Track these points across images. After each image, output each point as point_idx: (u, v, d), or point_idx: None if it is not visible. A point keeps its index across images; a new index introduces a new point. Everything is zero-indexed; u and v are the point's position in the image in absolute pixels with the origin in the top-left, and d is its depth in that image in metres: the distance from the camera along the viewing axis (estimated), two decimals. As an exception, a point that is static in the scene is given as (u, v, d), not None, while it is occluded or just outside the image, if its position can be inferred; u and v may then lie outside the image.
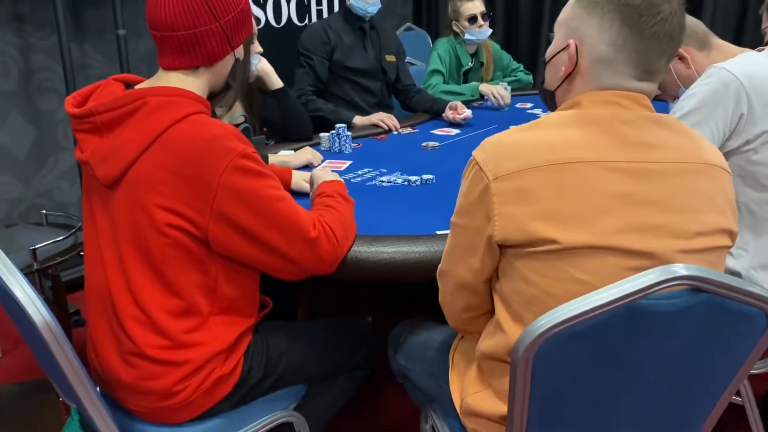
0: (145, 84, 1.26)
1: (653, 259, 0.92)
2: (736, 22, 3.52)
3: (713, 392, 1.02)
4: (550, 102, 1.12)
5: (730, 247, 1.00)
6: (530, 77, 3.44)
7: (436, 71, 3.09)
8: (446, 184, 1.86)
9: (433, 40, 4.25)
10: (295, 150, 2.13)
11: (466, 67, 3.20)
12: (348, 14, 2.71)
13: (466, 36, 3.10)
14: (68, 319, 2.24)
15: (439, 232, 1.46)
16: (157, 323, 1.20)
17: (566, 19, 1.04)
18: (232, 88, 1.34)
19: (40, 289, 2.27)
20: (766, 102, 1.50)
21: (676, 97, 1.79)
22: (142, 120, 1.16)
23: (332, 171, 1.68)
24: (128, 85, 1.27)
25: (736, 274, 1.60)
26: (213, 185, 1.14)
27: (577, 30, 1.02)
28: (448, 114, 2.64)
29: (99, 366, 1.29)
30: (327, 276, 1.32)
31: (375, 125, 2.56)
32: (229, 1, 1.22)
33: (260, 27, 3.12)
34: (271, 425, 1.39)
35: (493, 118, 2.79)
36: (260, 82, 2.23)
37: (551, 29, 4.39)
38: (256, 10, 3.14)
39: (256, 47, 2.09)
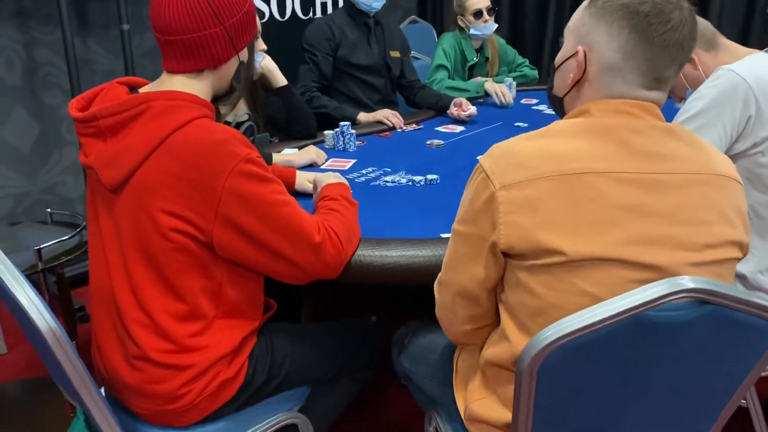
0: (149, 87, 1.26)
1: (660, 271, 0.91)
2: (742, 22, 3.50)
3: (719, 402, 1.01)
4: (558, 108, 1.11)
5: (740, 259, 0.99)
6: (536, 72, 3.42)
7: (441, 66, 3.07)
8: (450, 184, 1.85)
9: (438, 33, 4.22)
10: (299, 148, 2.13)
11: (472, 62, 3.18)
12: (352, 9, 2.69)
13: (472, 31, 3.08)
14: (73, 316, 2.25)
15: (443, 235, 1.46)
16: (161, 327, 1.20)
17: (576, 26, 1.03)
18: (237, 90, 1.33)
19: (44, 286, 2.28)
20: (775, 104, 1.49)
21: (683, 98, 1.77)
22: (146, 124, 1.15)
23: (336, 170, 1.67)
24: (132, 88, 1.26)
25: (741, 277, 1.59)
26: (218, 190, 1.14)
27: (586, 36, 1.01)
28: (453, 111, 2.63)
29: (104, 368, 1.30)
30: (331, 279, 1.32)
31: (379, 122, 2.55)
32: (234, 4, 1.21)
33: (264, 21, 3.10)
34: (275, 427, 1.39)
35: (497, 115, 2.77)
36: (264, 80, 2.22)
37: (557, 24, 4.38)
38: (260, 4, 3.12)
39: (260, 44, 2.08)
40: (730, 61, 1.57)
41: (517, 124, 2.60)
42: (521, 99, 3.06)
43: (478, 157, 2.08)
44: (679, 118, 1.57)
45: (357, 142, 2.28)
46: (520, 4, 4.18)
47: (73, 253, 2.06)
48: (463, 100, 2.64)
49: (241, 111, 2.10)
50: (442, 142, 2.31)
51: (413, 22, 4.29)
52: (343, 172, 1.94)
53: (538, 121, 2.63)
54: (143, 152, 1.14)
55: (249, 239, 1.18)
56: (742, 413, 1.74)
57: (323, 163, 2.06)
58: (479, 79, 3.18)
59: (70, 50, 2.57)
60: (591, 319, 0.83)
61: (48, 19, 2.74)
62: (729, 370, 0.95)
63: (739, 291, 0.86)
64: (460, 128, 2.54)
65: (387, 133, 2.49)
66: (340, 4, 3.35)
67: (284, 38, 3.10)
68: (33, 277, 2.03)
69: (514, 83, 3.13)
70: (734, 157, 1.55)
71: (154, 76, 1.28)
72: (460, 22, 3.13)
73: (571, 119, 1.01)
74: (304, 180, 1.72)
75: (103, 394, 1.32)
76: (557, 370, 0.87)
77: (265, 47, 2.10)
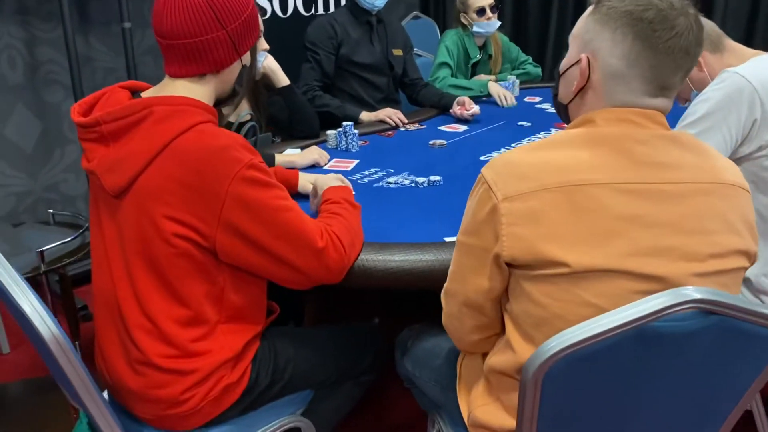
0: (151, 92, 1.25)
1: (665, 282, 0.91)
2: (747, 22, 3.47)
3: (724, 410, 1.01)
4: (563, 115, 1.10)
5: (747, 268, 0.98)
6: (539, 70, 3.41)
7: (443, 64, 3.06)
8: (453, 185, 1.85)
9: (441, 29, 4.21)
10: (302, 148, 2.12)
11: (474, 60, 3.17)
12: (355, 8, 2.68)
13: (475, 28, 3.07)
14: (76, 316, 2.25)
15: (447, 239, 1.45)
16: (164, 332, 1.20)
17: (580, 32, 1.02)
18: (239, 94, 1.32)
19: (47, 287, 2.28)
20: (780, 107, 1.48)
21: (687, 100, 1.76)
22: (149, 129, 1.15)
23: (339, 172, 1.66)
24: (134, 92, 1.25)
25: (745, 280, 1.59)
26: (220, 195, 1.13)
27: (589, 43, 1.00)
28: (456, 110, 2.62)
29: (107, 372, 1.30)
30: (334, 284, 1.32)
31: (382, 121, 2.54)
32: (236, 8, 1.20)
33: (266, 18, 3.08)
34: (278, 431, 1.39)
35: (500, 114, 2.76)
36: (266, 80, 2.21)
37: (560, 21, 4.35)
38: (262, 1, 3.11)
39: (263, 44, 2.07)
40: (735, 63, 1.56)
41: (520, 123, 2.59)
42: (524, 97, 3.05)
43: (481, 158, 2.09)
44: (684, 121, 1.57)
45: (360, 142, 2.27)
46: (523, 2, 4.16)
47: (76, 254, 2.06)
48: (467, 99, 2.63)
49: (244, 111, 2.09)
50: (445, 142, 2.30)
51: (416, 17, 4.27)
52: (345, 173, 1.94)
53: (541, 120, 2.62)
54: (146, 158, 1.14)
55: (252, 245, 1.17)
56: (744, 414, 1.73)
57: (326, 164, 2.05)
58: (482, 77, 3.17)
59: (72, 48, 2.56)
60: (595, 330, 0.83)
61: (49, 16, 2.73)
62: (734, 380, 0.95)
63: (744, 301, 0.86)
64: (463, 127, 2.53)
65: (390, 132, 2.48)
66: (343, 1, 3.33)
67: (286, 35, 3.08)
68: (36, 278, 2.03)
69: (517, 81, 3.12)
70: (739, 161, 1.54)
71: (155, 73, 1.28)
72: (463, 20, 3.11)
73: (574, 129, 1.00)
74: (306, 182, 1.71)
75: (107, 398, 1.32)
76: (561, 381, 0.87)
77: (267, 47, 2.09)
